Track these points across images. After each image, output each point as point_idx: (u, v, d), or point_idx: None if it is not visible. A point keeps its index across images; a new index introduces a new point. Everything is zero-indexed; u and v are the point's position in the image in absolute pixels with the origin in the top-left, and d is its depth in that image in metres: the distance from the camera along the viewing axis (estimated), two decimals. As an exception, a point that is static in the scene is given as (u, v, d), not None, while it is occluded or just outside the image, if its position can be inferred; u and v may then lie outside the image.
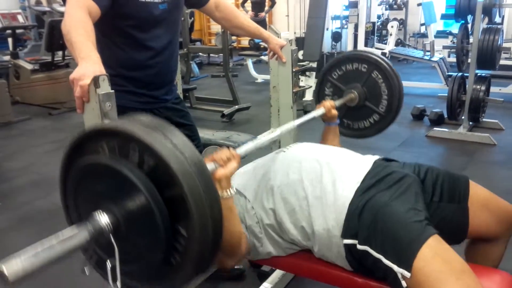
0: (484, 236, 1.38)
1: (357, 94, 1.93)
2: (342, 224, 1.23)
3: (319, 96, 2.06)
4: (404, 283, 1.10)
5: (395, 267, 1.11)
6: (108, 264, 0.91)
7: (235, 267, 2.13)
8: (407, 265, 1.09)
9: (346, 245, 1.22)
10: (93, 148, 0.92)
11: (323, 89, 2.04)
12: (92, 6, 1.36)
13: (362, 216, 1.20)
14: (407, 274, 1.08)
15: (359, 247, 1.19)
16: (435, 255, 1.08)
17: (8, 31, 6.10)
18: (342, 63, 1.99)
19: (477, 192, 1.37)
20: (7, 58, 6.10)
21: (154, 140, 0.83)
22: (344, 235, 1.22)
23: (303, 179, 1.32)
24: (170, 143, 0.84)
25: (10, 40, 6.28)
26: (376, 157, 1.44)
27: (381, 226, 1.16)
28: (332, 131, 1.78)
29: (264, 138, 1.42)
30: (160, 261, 0.89)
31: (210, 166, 1.12)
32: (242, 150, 1.26)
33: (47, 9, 8.06)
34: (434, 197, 1.36)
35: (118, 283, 0.89)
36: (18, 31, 6.44)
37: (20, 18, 7.52)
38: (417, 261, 1.08)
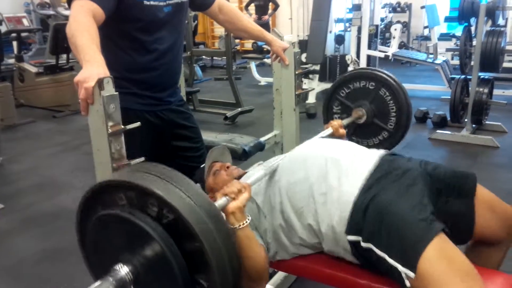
0: (487, 239, 1.38)
1: (365, 111, 1.94)
2: (347, 221, 1.23)
3: (327, 114, 2.07)
4: (408, 283, 1.10)
5: (399, 267, 1.11)
6: None
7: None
8: (412, 265, 1.09)
9: (350, 241, 1.23)
10: (110, 199, 0.94)
11: (331, 107, 2.06)
12: (97, 9, 1.37)
13: (367, 213, 1.20)
14: (411, 274, 1.08)
15: (363, 244, 1.19)
16: (440, 256, 1.08)
17: (13, 35, 6.13)
18: (350, 81, 2.01)
19: (483, 193, 1.37)
20: (12, 61, 6.13)
21: (171, 196, 0.86)
22: (348, 231, 1.23)
23: (308, 177, 1.33)
24: (187, 197, 0.87)
25: (15, 43, 6.30)
26: (382, 151, 1.44)
27: (385, 225, 1.16)
28: None
29: (272, 163, 1.44)
30: None
31: (222, 200, 1.15)
32: (251, 179, 1.30)
33: (51, 12, 8.11)
34: (443, 192, 1.35)
35: None
36: (23, 34, 6.47)
37: (25, 22, 7.57)
38: (422, 262, 1.08)
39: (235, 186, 1.18)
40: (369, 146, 1.99)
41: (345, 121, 1.84)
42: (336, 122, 1.76)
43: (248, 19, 2.01)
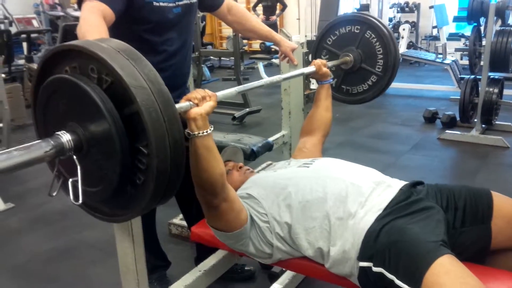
0: (506, 248, 1.35)
1: (352, 56, 1.93)
2: (359, 247, 1.22)
3: None
4: None
5: (405, 287, 1.09)
6: (69, 181, 0.94)
7: (246, 268, 2.15)
8: (417, 284, 1.06)
9: (361, 268, 1.21)
10: (58, 71, 0.95)
11: (319, 56, 2.04)
12: (107, 11, 1.39)
13: (379, 239, 1.19)
14: None
15: (374, 269, 1.18)
16: (447, 271, 1.05)
17: (23, 36, 6.19)
18: (335, 27, 1.99)
19: (501, 207, 1.32)
20: (22, 61, 6.18)
21: (110, 58, 0.85)
22: (361, 258, 1.22)
23: (327, 198, 1.31)
24: (129, 63, 0.86)
25: (24, 44, 6.35)
26: (403, 183, 1.41)
27: (395, 247, 1.15)
28: (325, 90, 1.79)
29: (244, 86, 1.40)
30: (123, 181, 0.91)
31: (184, 104, 1.10)
32: (220, 93, 1.24)
33: (61, 13, 8.17)
34: (456, 223, 1.33)
35: (80, 199, 0.91)
36: (32, 35, 6.52)
37: (35, 23, 7.64)
38: (428, 276, 1.05)
39: (200, 93, 1.13)
40: (358, 93, 2.00)
41: (331, 63, 1.82)
42: (319, 61, 1.73)
43: (256, 20, 2.02)
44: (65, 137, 0.88)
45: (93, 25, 1.30)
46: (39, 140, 0.87)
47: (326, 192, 1.32)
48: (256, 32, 1.96)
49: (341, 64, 1.93)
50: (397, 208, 1.26)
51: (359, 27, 1.92)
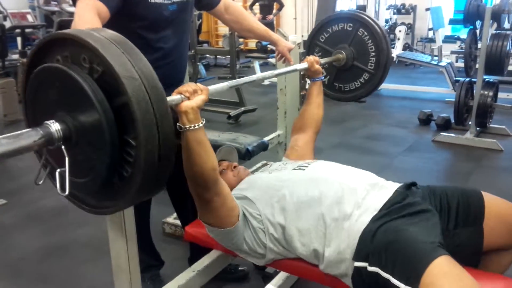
0: (497, 247, 1.37)
1: (345, 54, 1.95)
2: (355, 247, 1.22)
3: None
4: None
5: (402, 286, 1.09)
6: (57, 172, 0.93)
7: (239, 268, 2.14)
8: (415, 283, 1.07)
9: (356, 268, 1.22)
10: (49, 60, 0.94)
11: (311, 53, 2.05)
12: (101, 7, 1.38)
13: (375, 238, 1.20)
14: None
15: (370, 268, 1.18)
16: (445, 273, 1.06)
17: (17, 30, 6.15)
18: (328, 24, 2.01)
19: (491, 206, 1.35)
20: (16, 56, 6.14)
21: (103, 47, 0.84)
22: (356, 257, 1.22)
23: (322, 199, 1.31)
24: (122, 53, 0.85)
25: (19, 39, 6.31)
26: (397, 185, 1.41)
27: (392, 247, 1.15)
28: (317, 87, 1.80)
29: (237, 81, 1.40)
30: (111, 173, 0.90)
31: (176, 97, 1.10)
32: (212, 87, 1.23)
33: (56, 9, 8.12)
34: (449, 225, 1.34)
35: (67, 190, 0.91)
36: (27, 30, 6.48)
37: (30, 18, 7.58)
38: (425, 277, 1.06)
39: (191, 86, 1.13)
40: (351, 90, 2.03)
41: (323, 60, 1.83)
42: (312, 57, 1.75)
43: (253, 19, 2.01)
44: (54, 126, 0.87)
45: (88, 22, 1.29)
46: (28, 129, 0.86)
47: (321, 194, 1.32)
48: (253, 32, 1.96)
49: (333, 61, 1.95)
50: (393, 210, 1.27)
51: (351, 25, 1.93)
